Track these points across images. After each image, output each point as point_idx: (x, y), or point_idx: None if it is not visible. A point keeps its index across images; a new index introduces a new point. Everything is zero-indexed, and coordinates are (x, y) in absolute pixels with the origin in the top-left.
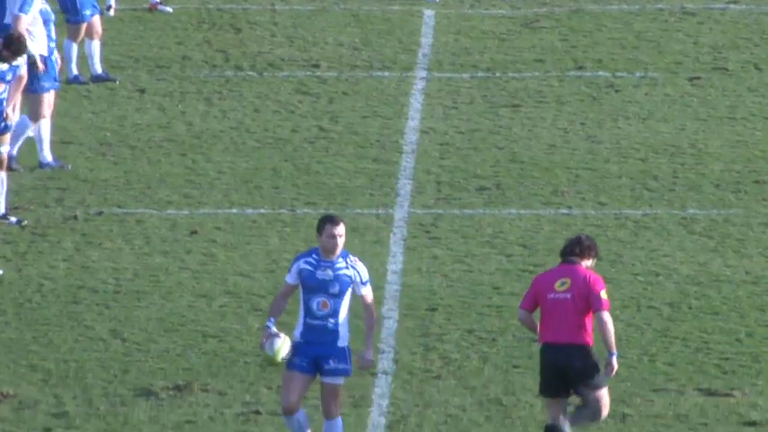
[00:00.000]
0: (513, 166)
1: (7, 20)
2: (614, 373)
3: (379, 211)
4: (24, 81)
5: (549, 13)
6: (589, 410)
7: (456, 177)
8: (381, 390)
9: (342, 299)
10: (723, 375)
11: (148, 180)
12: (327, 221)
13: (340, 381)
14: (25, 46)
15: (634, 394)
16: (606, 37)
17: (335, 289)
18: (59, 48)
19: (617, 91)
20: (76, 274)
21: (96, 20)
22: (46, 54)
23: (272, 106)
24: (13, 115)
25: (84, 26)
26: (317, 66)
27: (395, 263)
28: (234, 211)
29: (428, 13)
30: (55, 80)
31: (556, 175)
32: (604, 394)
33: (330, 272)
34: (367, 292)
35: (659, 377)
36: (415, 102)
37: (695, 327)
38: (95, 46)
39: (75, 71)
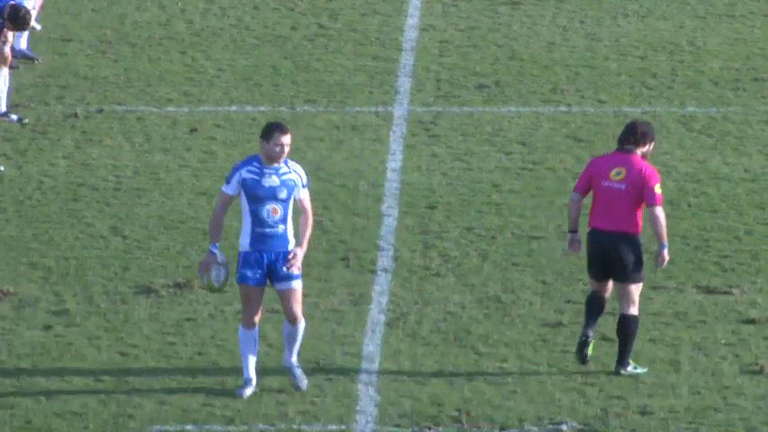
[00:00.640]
0: (513, 63)
1: None
2: (665, 264)
3: (379, 109)
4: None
5: None
6: (626, 323)
7: (455, 75)
8: (381, 287)
9: (288, 203)
10: (722, 273)
11: (148, 78)
12: (276, 129)
13: (299, 284)
14: (29, 24)
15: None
16: None
17: (283, 194)
18: None
19: None
20: (77, 171)
21: None
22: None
23: (272, 3)
24: None
25: None
26: None
27: (394, 161)
28: (233, 108)
29: None
30: None
31: (555, 73)
32: (638, 289)
33: (276, 178)
34: (305, 196)
35: (658, 275)
36: None
37: (694, 224)
38: None
39: None
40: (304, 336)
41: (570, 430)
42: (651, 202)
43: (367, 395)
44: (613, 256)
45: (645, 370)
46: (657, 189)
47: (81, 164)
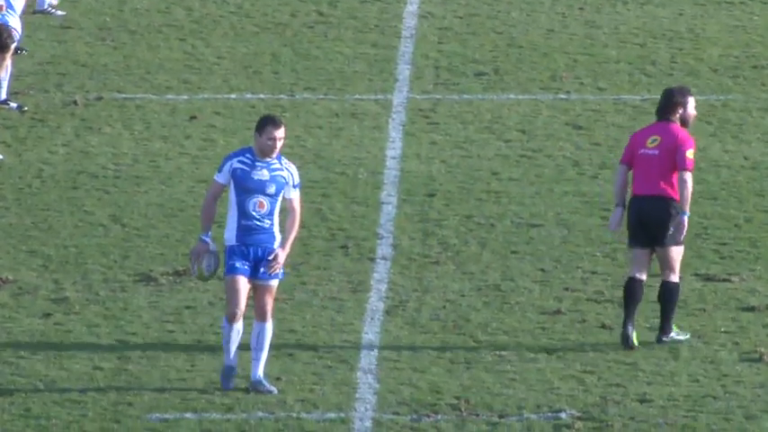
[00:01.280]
0: (512, 50)
1: None
2: (685, 231)
3: (378, 97)
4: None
5: None
6: (667, 293)
7: (454, 62)
8: (380, 275)
9: (277, 200)
10: (721, 261)
11: (148, 65)
12: (269, 123)
13: (276, 282)
14: (9, 48)
15: None
16: None
17: (272, 189)
18: None
19: None
20: (76, 159)
21: None
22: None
23: None
24: None
25: None
26: None
27: (393, 148)
28: (233, 96)
29: None
30: None
31: (554, 60)
32: (679, 254)
33: (266, 172)
34: (296, 196)
35: (657, 263)
36: None
37: (694, 212)
38: None
39: None
40: (272, 339)
41: (569, 418)
42: (682, 166)
43: (366, 383)
44: (652, 220)
45: (688, 335)
46: (690, 154)
47: (80, 152)
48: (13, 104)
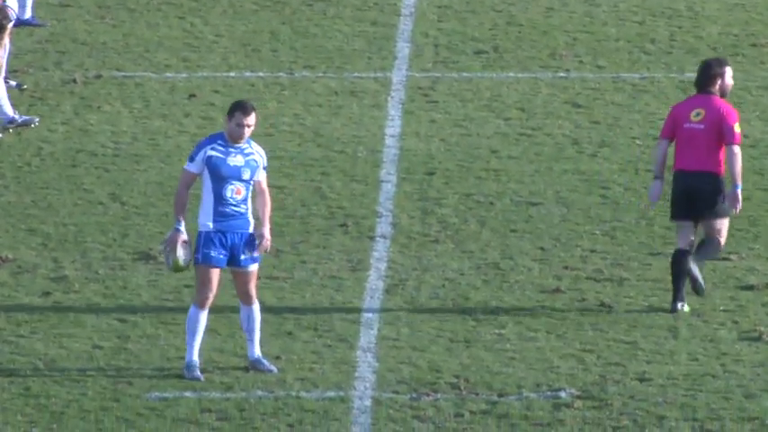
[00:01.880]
0: (511, 29)
1: None
2: (739, 205)
3: (377, 74)
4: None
5: None
6: (710, 245)
7: (454, 40)
8: (379, 254)
9: (250, 184)
10: None
11: (147, 43)
12: (239, 109)
13: (256, 267)
14: (9, 22)
15: (632, 258)
16: None
17: (247, 175)
18: None
19: None
20: (75, 137)
21: None
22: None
23: None
24: None
25: None
26: None
27: (393, 127)
28: (232, 74)
29: None
30: None
31: (554, 38)
32: (724, 225)
33: (240, 158)
34: (263, 177)
35: (657, 241)
36: None
37: None
38: None
39: None
40: (262, 321)
41: (569, 396)
42: (730, 140)
43: (365, 362)
44: (697, 195)
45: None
46: (737, 128)
47: (79, 130)
48: (13, 82)
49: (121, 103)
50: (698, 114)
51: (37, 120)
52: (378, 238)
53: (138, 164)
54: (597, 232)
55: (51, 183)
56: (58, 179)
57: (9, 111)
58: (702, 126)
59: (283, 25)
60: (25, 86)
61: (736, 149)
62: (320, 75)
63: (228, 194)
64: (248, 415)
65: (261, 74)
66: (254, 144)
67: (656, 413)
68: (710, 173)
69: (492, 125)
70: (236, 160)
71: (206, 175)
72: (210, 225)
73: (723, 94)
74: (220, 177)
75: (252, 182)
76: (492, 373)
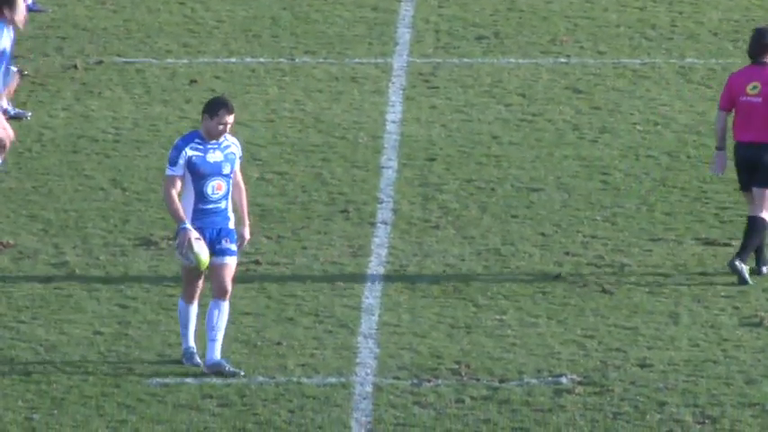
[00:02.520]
0: (512, 14)
1: None
2: None
3: (378, 60)
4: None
5: None
6: (758, 226)
7: (455, 26)
8: (380, 240)
9: (230, 178)
10: (721, 225)
11: (148, 29)
12: (223, 107)
13: (234, 261)
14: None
15: (632, 244)
16: None
17: (227, 169)
18: None
19: None
20: (76, 123)
21: None
22: None
23: None
24: None
25: None
26: None
27: (393, 112)
28: (233, 59)
29: None
30: None
31: (555, 24)
32: None
33: (219, 153)
34: (239, 168)
35: (658, 227)
36: None
37: (693, 176)
38: None
39: None
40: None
41: (570, 382)
42: None
43: (366, 348)
44: (754, 165)
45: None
46: None
47: (80, 116)
48: (13, 68)
49: (122, 89)
50: (754, 88)
51: (29, 115)
52: (379, 224)
53: (139, 150)
54: (598, 218)
55: (52, 169)
56: (58, 165)
57: (3, 101)
58: (759, 99)
59: (284, 11)
60: (26, 72)
61: None
62: (321, 60)
63: (210, 191)
64: (249, 401)
65: (262, 59)
66: (229, 137)
67: (657, 399)
68: (767, 144)
69: (493, 111)
70: (215, 156)
71: (186, 175)
72: (189, 222)
73: None
74: (201, 175)
75: (231, 175)
76: (493, 358)
